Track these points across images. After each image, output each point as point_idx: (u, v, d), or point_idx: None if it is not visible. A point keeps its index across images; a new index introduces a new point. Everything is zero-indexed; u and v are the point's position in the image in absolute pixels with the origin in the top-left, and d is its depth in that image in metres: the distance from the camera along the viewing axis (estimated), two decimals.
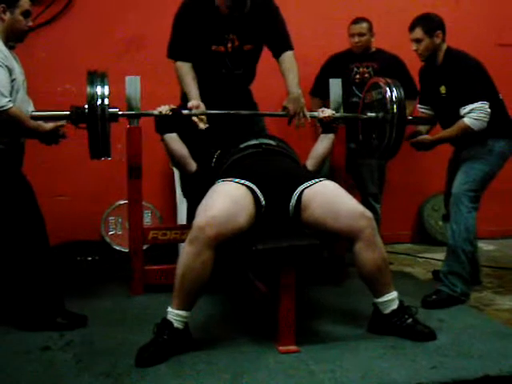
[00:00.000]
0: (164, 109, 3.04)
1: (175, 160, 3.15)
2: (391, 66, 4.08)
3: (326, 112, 3.26)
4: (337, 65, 4.16)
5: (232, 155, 3.01)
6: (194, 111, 3.14)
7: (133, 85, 3.23)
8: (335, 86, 3.51)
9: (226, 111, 3.26)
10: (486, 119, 3.07)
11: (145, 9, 4.25)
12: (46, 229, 2.83)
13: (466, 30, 4.58)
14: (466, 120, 3.09)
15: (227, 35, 3.31)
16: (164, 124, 3.06)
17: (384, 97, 3.11)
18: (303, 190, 2.67)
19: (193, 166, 3.12)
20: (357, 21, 4.07)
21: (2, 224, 2.72)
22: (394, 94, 3.08)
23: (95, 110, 2.83)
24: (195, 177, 3.10)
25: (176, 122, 3.07)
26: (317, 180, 2.74)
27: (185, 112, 3.12)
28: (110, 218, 4.22)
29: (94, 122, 2.83)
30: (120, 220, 4.16)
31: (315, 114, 3.32)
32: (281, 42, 3.43)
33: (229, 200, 2.55)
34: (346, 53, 4.17)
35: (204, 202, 2.59)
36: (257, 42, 3.40)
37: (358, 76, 4.10)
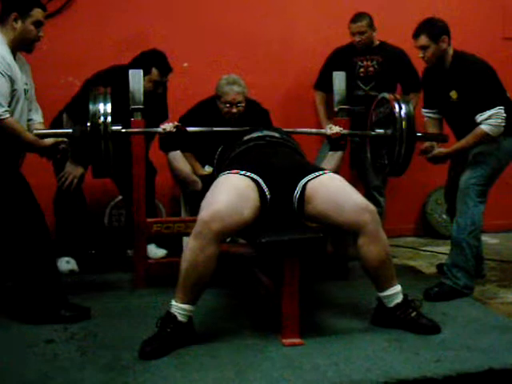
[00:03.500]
0: (168, 126, 3.03)
1: (180, 178, 3.14)
2: (395, 58, 4.07)
3: (334, 129, 3.19)
4: (341, 58, 4.14)
5: (236, 148, 3.00)
6: (198, 128, 3.17)
7: (136, 78, 3.22)
8: (339, 79, 3.49)
9: (230, 128, 3.34)
10: (503, 124, 3.05)
11: (148, 4, 4.24)
12: (47, 223, 2.84)
13: (471, 24, 4.56)
14: (484, 127, 3.05)
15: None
16: (168, 141, 3.06)
17: (392, 113, 3.06)
18: (307, 182, 2.66)
19: (198, 184, 3.12)
20: (355, 19, 4.02)
21: (2, 220, 2.73)
22: (403, 110, 3.02)
23: (98, 129, 2.79)
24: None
25: (180, 139, 3.06)
26: (321, 172, 2.73)
27: (189, 129, 3.12)
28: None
29: (97, 141, 2.79)
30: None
31: (323, 131, 3.30)
32: (165, 115, 3.73)
33: (233, 193, 2.54)
34: (350, 46, 4.14)
35: (208, 195, 2.58)
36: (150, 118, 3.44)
37: (362, 69, 4.09)
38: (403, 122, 3.00)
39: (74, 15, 4.16)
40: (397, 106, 3.05)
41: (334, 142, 3.20)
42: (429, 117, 3.42)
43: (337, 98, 3.46)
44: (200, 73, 4.15)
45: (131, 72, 3.23)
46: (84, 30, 4.13)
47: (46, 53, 3.91)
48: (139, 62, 3.49)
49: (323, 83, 4.16)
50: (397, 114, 3.03)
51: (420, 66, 3.54)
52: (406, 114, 3.02)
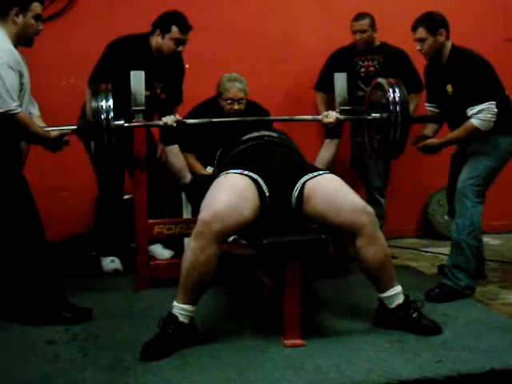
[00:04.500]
0: (170, 120, 3.05)
1: (172, 172, 3.17)
2: (396, 59, 4.07)
3: (331, 116, 3.21)
4: (342, 59, 4.15)
5: (234, 147, 3.01)
6: (197, 120, 3.18)
7: (137, 79, 3.22)
8: (340, 80, 3.49)
9: (229, 119, 3.39)
10: (493, 119, 3.07)
11: (149, 5, 4.24)
12: (43, 225, 2.83)
13: (472, 26, 4.55)
14: (474, 121, 3.07)
15: (155, 83, 3.45)
16: (168, 135, 3.07)
17: (387, 98, 3.07)
18: (305, 182, 2.66)
19: (187, 177, 3.14)
20: (358, 17, 4.04)
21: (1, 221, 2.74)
22: (397, 94, 3.04)
23: (101, 124, 2.85)
24: (193, 184, 3.13)
25: (181, 133, 3.08)
26: (319, 172, 2.73)
27: (189, 121, 3.14)
28: None
29: (100, 136, 2.86)
30: None
31: (319, 117, 3.31)
32: (179, 96, 3.77)
33: (233, 193, 2.54)
34: (351, 47, 4.15)
35: (208, 195, 2.59)
36: (169, 92, 3.53)
37: (362, 70, 4.09)
38: (397, 106, 3.03)
39: (75, 17, 4.16)
40: (391, 91, 3.07)
41: (331, 130, 3.21)
42: (430, 111, 3.44)
43: (338, 99, 3.45)
44: (201, 73, 4.14)
45: (133, 73, 3.23)
46: (85, 32, 4.14)
47: (48, 54, 3.92)
48: (159, 21, 3.54)
49: (324, 84, 4.17)
50: (391, 99, 3.05)
51: (421, 66, 3.55)
52: (400, 98, 3.04)
